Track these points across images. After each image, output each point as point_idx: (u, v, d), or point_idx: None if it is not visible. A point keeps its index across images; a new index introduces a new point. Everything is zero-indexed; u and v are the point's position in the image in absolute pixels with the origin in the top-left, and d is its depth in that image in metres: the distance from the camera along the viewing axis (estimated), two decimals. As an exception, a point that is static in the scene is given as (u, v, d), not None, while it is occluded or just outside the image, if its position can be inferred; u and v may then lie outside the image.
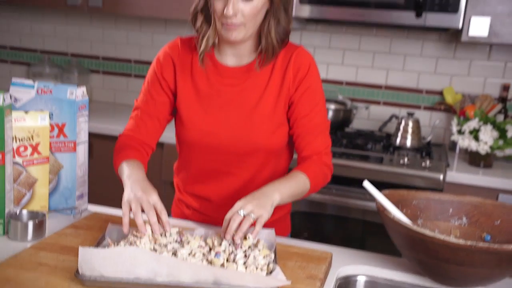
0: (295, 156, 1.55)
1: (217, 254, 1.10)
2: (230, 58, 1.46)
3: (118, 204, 1.34)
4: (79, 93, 1.45)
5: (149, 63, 3.23)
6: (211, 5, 1.36)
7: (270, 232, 1.27)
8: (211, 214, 1.53)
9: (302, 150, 1.46)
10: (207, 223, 1.49)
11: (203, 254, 1.11)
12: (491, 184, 2.30)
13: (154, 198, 1.24)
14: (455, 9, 2.40)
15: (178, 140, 1.55)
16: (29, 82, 1.45)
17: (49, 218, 1.39)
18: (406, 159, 2.37)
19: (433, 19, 2.42)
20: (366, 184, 1.29)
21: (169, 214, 1.69)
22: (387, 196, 1.33)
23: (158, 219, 1.21)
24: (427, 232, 1.13)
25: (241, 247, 1.14)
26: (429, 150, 2.59)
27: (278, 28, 1.40)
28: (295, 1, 2.56)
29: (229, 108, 1.44)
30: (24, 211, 1.34)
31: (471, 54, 2.78)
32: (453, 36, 2.77)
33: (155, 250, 1.13)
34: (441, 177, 2.28)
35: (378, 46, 2.88)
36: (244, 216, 1.18)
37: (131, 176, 1.32)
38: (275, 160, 1.50)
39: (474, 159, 2.46)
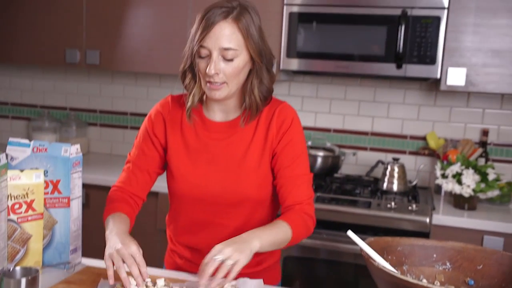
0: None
1: None
2: (217, 114, 1.49)
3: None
4: (73, 150, 1.45)
5: (144, 115, 3.23)
6: (196, 65, 1.39)
7: (258, 283, 1.25)
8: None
9: (285, 200, 1.45)
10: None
11: None
12: (476, 226, 2.30)
13: (133, 249, 1.24)
14: (432, 61, 2.45)
15: (169, 192, 1.56)
16: (25, 141, 1.46)
17: (43, 273, 1.37)
18: (393, 203, 2.37)
19: (412, 70, 2.47)
20: (350, 233, 1.29)
21: (162, 264, 1.69)
22: (372, 243, 1.33)
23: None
24: (410, 279, 1.12)
25: None
26: (415, 193, 2.59)
27: (261, 87, 1.42)
28: (283, 55, 2.61)
29: (217, 162, 1.46)
30: (18, 268, 1.32)
31: (450, 102, 2.82)
32: (433, 85, 2.81)
33: None
34: (428, 220, 2.28)
35: (363, 95, 2.92)
36: (222, 262, 1.17)
37: (113, 230, 1.34)
38: (262, 210, 1.50)
39: (459, 202, 2.46)
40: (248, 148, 1.45)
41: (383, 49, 2.49)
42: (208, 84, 1.38)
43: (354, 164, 2.98)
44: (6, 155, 1.34)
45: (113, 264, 1.23)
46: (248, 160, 1.45)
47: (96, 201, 2.63)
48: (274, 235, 1.34)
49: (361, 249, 1.28)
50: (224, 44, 1.34)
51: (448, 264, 1.39)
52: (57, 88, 3.41)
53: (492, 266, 1.33)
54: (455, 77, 2.47)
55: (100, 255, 1.59)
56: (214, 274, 1.17)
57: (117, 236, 1.29)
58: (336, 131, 2.99)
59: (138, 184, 1.52)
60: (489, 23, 2.43)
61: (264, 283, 1.29)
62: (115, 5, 2.85)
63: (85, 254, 1.55)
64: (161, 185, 1.93)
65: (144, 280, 1.22)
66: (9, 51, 3.05)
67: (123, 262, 1.23)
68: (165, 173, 1.58)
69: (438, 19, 2.43)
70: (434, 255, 1.40)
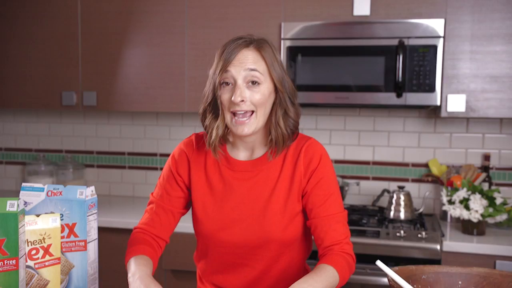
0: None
1: None
2: (241, 153, 1.47)
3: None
4: (88, 192, 1.44)
5: (142, 154, 3.28)
6: (218, 98, 1.37)
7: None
8: None
9: (323, 241, 1.40)
10: None
11: None
12: (487, 251, 2.31)
13: None
14: (432, 88, 2.50)
15: (195, 232, 1.54)
16: (38, 185, 1.45)
17: (62, 321, 1.34)
18: (402, 232, 2.37)
19: (412, 98, 2.52)
20: (379, 263, 1.29)
21: None
22: (396, 272, 1.33)
23: None
24: (445, 308, 1.12)
25: None
26: (422, 221, 2.60)
27: (287, 120, 1.40)
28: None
29: (242, 203, 1.43)
30: (38, 316, 1.29)
31: (450, 128, 2.87)
32: (432, 112, 2.86)
33: None
34: (438, 247, 2.28)
35: (363, 125, 2.96)
36: None
37: (136, 273, 1.31)
38: (290, 251, 1.46)
39: (467, 227, 2.47)
40: (274, 187, 1.42)
41: (382, 79, 2.53)
42: (234, 119, 1.36)
43: (357, 194, 2.99)
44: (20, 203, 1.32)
45: None
46: (274, 200, 1.42)
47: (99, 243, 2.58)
48: (325, 282, 1.28)
49: (391, 279, 1.28)
50: (250, 65, 1.34)
51: (474, 290, 1.39)
52: (52, 131, 3.40)
53: (520, 290, 1.33)
54: (455, 103, 2.52)
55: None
56: None
57: (140, 280, 1.27)
58: (337, 161, 3.01)
59: (162, 225, 1.48)
60: (485, 50, 2.50)
61: None
62: (111, 45, 2.89)
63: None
64: None
65: None
66: (2, 96, 3.04)
67: None
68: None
69: (435, 48, 2.50)
70: (460, 282, 1.40)
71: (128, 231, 2.64)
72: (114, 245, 2.53)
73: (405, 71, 2.50)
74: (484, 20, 2.50)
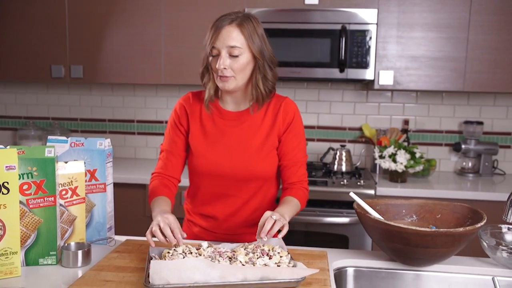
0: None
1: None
2: (230, 105, 1.56)
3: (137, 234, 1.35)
4: (106, 143, 1.46)
5: (121, 120, 3.24)
6: (209, 64, 1.48)
7: (279, 240, 1.33)
8: (216, 231, 1.60)
9: (289, 178, 1.56)
10: (212, 240, 1.57)
11: (246, 262, 1.15)
12: (408, 194, 2.50)
13: (170, 219, 1.28)
14: (367, 65, 2.64)
15: (190, 171, 1.60)
16: (62, 138, 1.45)
17: (90, 249, 1.37)
18: (345, 181, 2.53)
19: (352, 73, 2.64)
20: (352, 194, 1.40)
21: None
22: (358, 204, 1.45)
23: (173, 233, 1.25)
24: (402, 225, 1.25)
25: (268, 255, 1.19)
26: (359, 172, 2.77)
27: (266, 82, 1.49)
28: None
29: (230, 144, 1.53)
30: (72, 243, 1.32)
31: (378, 98, 3.03)
32: (365, 86, 3.01)
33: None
34: (373, 192, 2.45)
35: (309, 96, 3.07)
36: (275, 220, 1.26)
37: (156, 211, 1.38)
38: (266, 187, 1.58)
39: (393, 177, 2.66)
40: (256, 133, 1.53)
41: (328, 57, 2.64)
42: (219, 78, 1.46)
43: (304, 153, 3.11)
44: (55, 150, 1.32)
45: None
46: (256, 140, 1.53)
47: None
48: (293, 210, 1.46)
49: (358, 205, 1.40)
50: (230, 43, 1.42)
51: (414, 216, 1.53)
52: (40, 101, 3.28)
53: (448, 214, 1.49)
54: (385, 78, 2.67)
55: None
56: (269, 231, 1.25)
57: (160, 213, 1.33)
58: (288, 126, 3.10)
59: (174, 167, 1.57)
60: (408, 35, 2.66)
61: None
62: (95, 25, 2.81)
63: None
64: (148, 177, 1.87)
65: (179, 240, 1.24)
66: (-5, 68, 2.91)
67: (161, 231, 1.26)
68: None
69: (369, 32, 2.62)
70: (403, 211, 1.54)
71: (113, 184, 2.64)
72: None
73: (346, 51, 2.62)
74: (407, 11, 2.65)
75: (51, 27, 2.84)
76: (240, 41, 1.43)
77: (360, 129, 3.05)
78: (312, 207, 2.48)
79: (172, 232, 1.25)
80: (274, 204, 1.65)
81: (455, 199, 2.46)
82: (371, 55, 2.64)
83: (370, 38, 2.63)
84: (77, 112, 3.27)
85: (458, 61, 2.64)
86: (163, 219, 1.27)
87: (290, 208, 1.46)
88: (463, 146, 2.88)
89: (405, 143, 2.87)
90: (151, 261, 1.02)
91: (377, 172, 2.89)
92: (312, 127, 3.09)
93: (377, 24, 2.64)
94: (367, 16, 2.62)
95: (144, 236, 1.31)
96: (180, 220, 2.29)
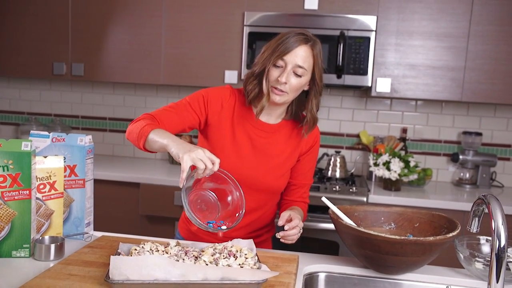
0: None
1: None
2: (264, 116, 1.54)
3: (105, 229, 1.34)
4: (87, 140, 1.49)
5: (121, 119, 3.28)
6: (266, 73, 1.45)
7: (250, 242, 1.34)
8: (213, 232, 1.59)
9: (292, 195, 1.63)
10: (207, 240, 1.58)
11: (210, 262, 1.16)
12: (401, 203, 2.48)
13: (208, 153, 1.24)
14: (365, 72, 2.64)
15: None
16: (44, 133, 1.48)
17: (65, 242, 1.39)
18: (337, 187, 2.52)
19: (349, 79, 2.64)
20: (324, 199, 1.41)
21: (175, 232, 1.72)
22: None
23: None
24: (372, 232, 1.25)
25: (234, 256, 1.19)
26: (353, 179, 2.76)
27: (317, 106, 1.54)
28: (243, 67, 2.72)
29: (255, 153, 1.53)
30: (46, 237, 1.34)
31: (377, 106, 3.02)
32: (364, 92, 3.01)
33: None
34: (365, 199, 2.44)
35: (308, 101, 3.07)
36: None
37: (172, 137, 1.29)
38: (272, 200, 1.62)
39: (387, 185, 2.65)
40: (281, 149, 1.55)
41: (326, 63, 2.63)
42: (273, 89, 1.44)
43: (301, 158, 3.11)
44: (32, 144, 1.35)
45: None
46: (279, 158, 1.55)
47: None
48: (300, 215, 1.53)
49: (331, 211, 1.40)
50: (299, 62, 1.42)
51: (392, 224, 1.53)
52: (43, 97, 3.34)
53: (426, 223, 1.48)
54: (383, 85, 2.67)
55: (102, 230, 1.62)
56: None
57: (185, 144, 1.25)
58: (286, 131, 3.11)
59: (169, 122, 1.44)
60: (406, 43, 2.65)
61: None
62: (97, 24, 2.86)
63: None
64: (144, 176, 1.88)
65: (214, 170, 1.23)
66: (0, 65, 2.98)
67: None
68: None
69: (368, 39, 2.62)
70: (382, 218, 1.54)
71: (108, 182, 2.67)
72: (96, 193, 2.54)
73: (344, 57, 2.62)
74: (407, 19, 2.64)
75: (54, 25, 2.89)
76: (308, 63, 1.44)
77: (358, 136, 3.04)
78: (303, 212, 2.48)
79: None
80: (274, 216, 1.68)
81: (449, 210, 2.43)
82: (369, 62, 2.63)
83: (369, 45, 2.62)
84: (79, 109, 3.32)
85: (457, 70, 2.62)
86: (203, 155, 1.22)
87: (299, 211, 1.55)
88: (461, 157, 2.85)
89: (403, 152, 2.85)
90: (111, 256, 1.04)
91: (373, 180, 2.88)
92: (310, 132, 3.08)
93: (376, 31, 2.63)
94: (366, 23, 2.62)
95: (136, 234, 1.30)
96: (175, 219, 2.30)
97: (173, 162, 3.08)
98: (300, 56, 1.42)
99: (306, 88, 1.50)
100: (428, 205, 2.46)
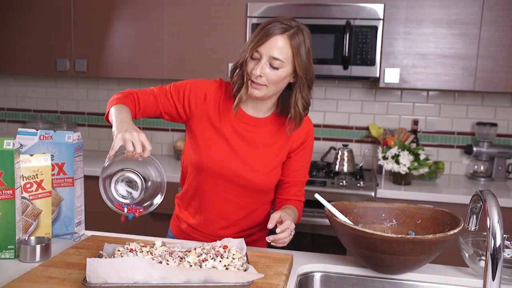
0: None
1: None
2: (250, 110, 1.48)
3: (106, 229, 1.32)
4: (75, 137, 1.46)
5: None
6: (246, 65, 1.39)
7: (240, 241, 1.29)
8: (203, 230, 1.56)
9: (286, 194, 1.55)
10: (196, 238, 1.55)
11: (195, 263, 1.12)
12: (411, 197, 2.41)
13: (142, 137, 1.21)
14: (372, 62, 2.55)
15: (187, 164, 1.54)
16: (32, 130, 1.45)
17: (53, 242, 1.37)
18: (344, 182, 2.45)
19: (356, 70, 2.56)
20: (317, 196, 1.35)
21: (167, 230, 1.70)
22: (333, 206, 1.39)
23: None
24: (367, 230, 1.19)
25: (221, 256, 1.15)
26: (362, 173, 2.69)
27: (303, 101, 1.43)
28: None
29: (240, 147, 1.46)
30: (32, 238, 1.32)
31: (387, 97, 2.94)
32: (373, 84, 2.92)
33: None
34: (373, 194, 2.37)
35: (315, 93, 3.00)
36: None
37: (121, 116, 1.28)
38: (262, 197, 1.54)
39: (397, 179, 2.57)
40: (269, 144, 1.48)
41: (332, 53, 2.57)
42: (250, 82, 1.38)
43: (309, 152, 3.04)
44: (17, 142, 1.32)
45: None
46: (267, 153, 1.47)
47: (88, 189, 2.59)
48: (294, 215, 1.47)
49: (326, 209, 1.34)
50: (274, 54, 1.34)
51: (394, 221, 1.46)
52: (49, 94, 3.35)
53: (428, 220, 1.42)
54: (391, 76, 2.58)
55: (97, 228, 1.59)
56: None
57: (127, 124, 1.24)
58: (293, 124, 3.04)
59: (145, 104, 1.43)
60: (416, 31, 2.56)
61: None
62: (100, 19, 2.84)
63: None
64: None
65: (145, 156, 1.20)
66: (3, 61, 2.98)
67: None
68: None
69: (375, 28, 2.54)
70: (383, 215, 1.47)
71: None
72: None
73: (351, 47, 2.54)
74: (416, 6, 2.54)
75: (56, 21, 2.88)
76: (285, 55, 1.35)
77: (367, 128, 2.96)
78: (310, 208, 2.42)
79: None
80: (267, 214, 1.61)
81: (461, 204, 2.35)
82: (377, 51, 2.55)
83: (376, 34, 2.54)
84: (84, 106, 3.31)
85: (469, 59, 2.52)
86: (138, 136, 1.20)
87: (292, 212, 1.46)
88: (475, 149, 2.75)
89: (414, 144, 2.76)
90: (87, 258, 1.00)
91: (383, 174, 2.80)
92: (318, 126, 3.02)
93: (383, 19, 2.55)
94: (373, 11, 2.53)
95: (141, 233, 1.28)
96: (168, 215, 2.27)
97: (179, 158, 3.05)
98: (276, 47, 1.33)
99: (292, 81, 1.42)
100: (439, 200, 2.38)
